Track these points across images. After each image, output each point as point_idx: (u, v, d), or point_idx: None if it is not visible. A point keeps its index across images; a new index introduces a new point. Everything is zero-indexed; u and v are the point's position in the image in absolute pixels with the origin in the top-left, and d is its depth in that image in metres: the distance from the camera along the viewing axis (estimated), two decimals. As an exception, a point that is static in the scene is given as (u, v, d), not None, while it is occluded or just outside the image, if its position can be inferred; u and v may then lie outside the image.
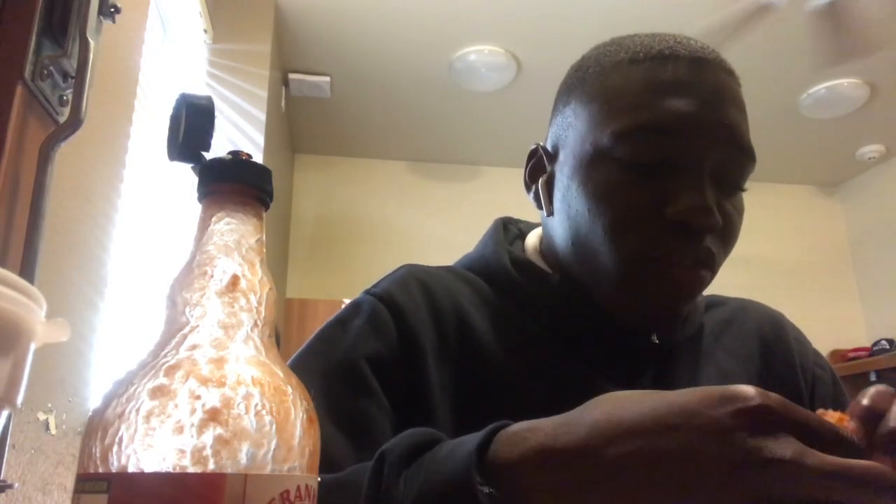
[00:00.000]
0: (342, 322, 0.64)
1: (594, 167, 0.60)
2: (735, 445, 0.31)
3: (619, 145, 0.58)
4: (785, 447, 0.31)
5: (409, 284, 0.66)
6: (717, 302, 0.75)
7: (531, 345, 0.64)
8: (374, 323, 0.62)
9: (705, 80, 0.58)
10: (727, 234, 0.59)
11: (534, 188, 0.69)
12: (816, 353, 0.75)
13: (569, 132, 0.64)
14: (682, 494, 0.32)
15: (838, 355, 3.90)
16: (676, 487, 0.32)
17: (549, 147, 0.68)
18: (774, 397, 0.33)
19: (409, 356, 0.61)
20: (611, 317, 0.62)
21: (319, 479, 0.30)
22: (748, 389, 0.33)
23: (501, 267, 0.69)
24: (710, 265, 0.58)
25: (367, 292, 0.66)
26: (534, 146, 0.70)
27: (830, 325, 3.97)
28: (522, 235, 0.75)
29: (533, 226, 0.77)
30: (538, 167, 0.69)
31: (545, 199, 0.66)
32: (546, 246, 0.70)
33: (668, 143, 0.57)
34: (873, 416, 0.35)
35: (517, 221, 0.78)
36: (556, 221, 0.65)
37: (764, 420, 0.32)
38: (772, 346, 0.72)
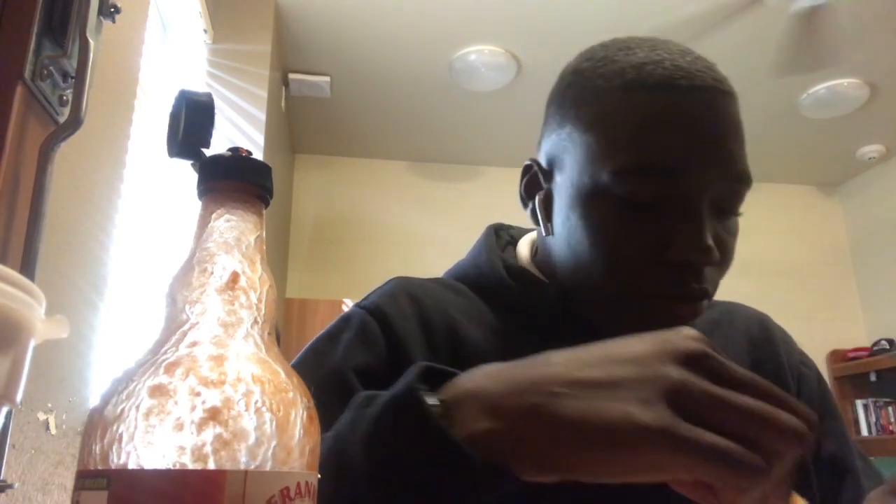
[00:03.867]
0: (332, 336, 0.65)
1: (593, 202, 0.60)
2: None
3: (617, 183, 0.58)
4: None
5: (398, 297, 0.67)
6: None
7: (524, 353, 0.65)
8: (363, 336, 0.63)
9: (705, 111, 0.58)
10: (723, 260, 0.61)
11: (531, 205, 0.69)
12: (802, 354, 0.77)
13: (565, 157, 0.63)
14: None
15: (838, 355, 3.90)
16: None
17: (543, 163, 0.68)
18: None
19: (399, 367, 0.61)
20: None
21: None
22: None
23: (495, 275, 0.69)
24: (709, 296, 0.60)
25: (357, 305, 0.67)
26: (528, 162, 0.69)
27: (830, 325, 3.97)
28: (514, 242, 0.75)
29: (523, 231, 0.78)
30: (534, 183, 0.69)
31: (543, 218, 0.67)
32: (543, 257, 0.70)
33: (667, 182, 0.57)
34: None
35: (508, 228, 0.78)
36: (556, 243, 0.65)
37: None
38: (760, 347, 0.73)
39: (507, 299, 0.68)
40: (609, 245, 0.59)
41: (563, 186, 0.63)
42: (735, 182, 0.59)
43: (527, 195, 0.69)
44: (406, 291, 0.68)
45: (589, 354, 0.38)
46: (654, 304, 0.59)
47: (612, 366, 0.37)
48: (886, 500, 0.41)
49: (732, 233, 0.61)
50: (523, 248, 0.74)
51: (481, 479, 0.37)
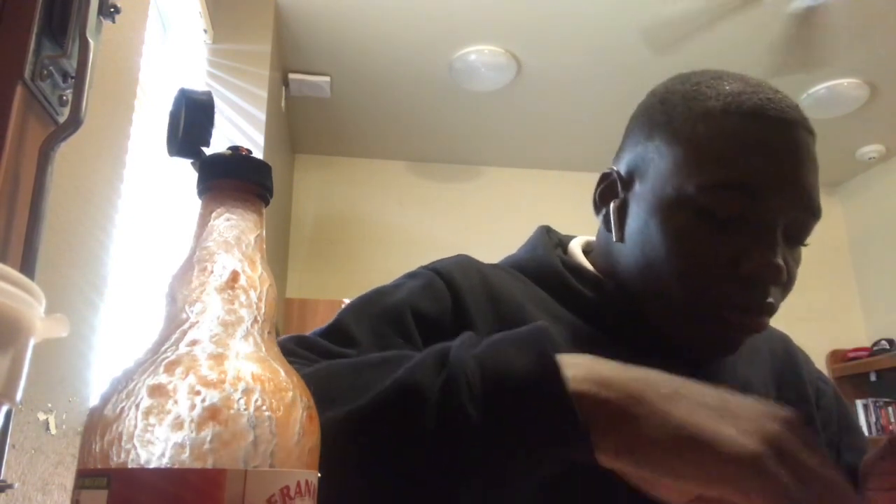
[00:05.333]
0: (397, 284, 0.67)
1: (675, 211, 0.62)
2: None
3: (702, 196, 0.61)
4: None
5: (468, 270, 0.68)
6: None
7: (585, 343, 0.66)
8: (428, 289, 0.65)
9: (790, 142, 0.61)
10: (788, 284, 0.64)
11: (604, 211, 0.71)
12: (820, 372, 0.82)
13: (649, 167, 0.66)
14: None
15: (838, 355, 3.89)
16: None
17: (623, 173, 0.70)
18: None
19: (460, 328, 0.63)
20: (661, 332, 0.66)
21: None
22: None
23: (553, 269, 0.71)
24: (772, 313, 0.63)
25: (424, 268, 0.69)
26: (608, 170, 0.72)
27: (830, 325, 3.96)
28: (562, 244, 0.78)
29: (568, 236, 0.81)
30: (610, 191, 0.71)
31: (616, 225, 0.69)
32: (602, 260, 0.72)
33: (749, 201, 0.60)
34: None
35: (555, 231, 0.81)
36: (625, 248, 0.68)
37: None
38: (783, 361, 0.78)
39: (563, 292, 0.70)
40: (685, 253, 0.62)
41: (644, 195, 0.66)
42: (808, 213, 0.62)
43: (601, 202, 0.72)
44: (475, 267, 0.70)
45: (705, 386, 0.41)
46: (722, 315, 0.61)
47: (724, 398, 0.40)
48: (878, 464, 0.43)
49: (797, 260, 0.64)
50: (575, 249, 0.76)
51: (559, 443, 0.38)
